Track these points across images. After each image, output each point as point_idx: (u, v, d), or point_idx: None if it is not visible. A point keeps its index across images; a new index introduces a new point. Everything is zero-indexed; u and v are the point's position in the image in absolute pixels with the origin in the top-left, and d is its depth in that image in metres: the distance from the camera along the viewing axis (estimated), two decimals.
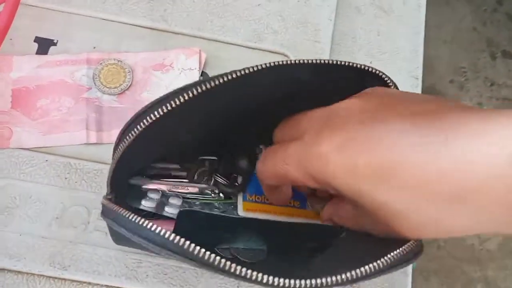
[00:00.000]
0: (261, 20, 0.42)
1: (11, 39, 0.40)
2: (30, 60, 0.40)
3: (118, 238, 0.30)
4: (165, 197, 0.34)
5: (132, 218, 0.22)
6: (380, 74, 0.26)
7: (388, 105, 0.22)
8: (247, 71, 0.24)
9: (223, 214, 0.34)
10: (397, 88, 0.27)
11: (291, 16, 0.42)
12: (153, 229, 0.21)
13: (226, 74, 0.24)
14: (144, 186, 0.33)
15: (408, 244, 0.22)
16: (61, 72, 0.40)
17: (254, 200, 0.35)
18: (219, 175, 0.35)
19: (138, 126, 0.24)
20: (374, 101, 0.23)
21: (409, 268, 0.39)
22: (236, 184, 0.35)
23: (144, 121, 0.24)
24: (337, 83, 0.27)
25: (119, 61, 0.40)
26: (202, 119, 0.28)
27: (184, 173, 0.35)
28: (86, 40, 0.41)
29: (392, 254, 0.21)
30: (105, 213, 0.24)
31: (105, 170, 0.38)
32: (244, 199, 0.34)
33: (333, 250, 0.30)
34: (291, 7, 0.43)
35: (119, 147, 0.26)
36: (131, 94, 0.40)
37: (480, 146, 0.18)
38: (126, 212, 0.22)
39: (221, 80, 0.24)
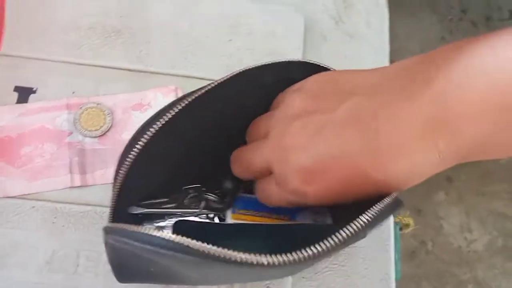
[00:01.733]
0: (232, 55, 0.44)
1: None
2: (11, 109, 0.41)
3: (123, 272, 0.30)
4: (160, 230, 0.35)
5: (141, 229, 0.22)
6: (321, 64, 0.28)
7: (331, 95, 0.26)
8: (214, 84, 0.26)
9: (216, 222, 0.36)
10: None
11: (260, 49, 0.44)
12: (165, 237, 0.21)
13: (196, 91, 0.26)
14: (140, 212, 0.34)
15: (385, 199, 0.23)
16: (42, 119, 0.41)
17: (243, 213, 0.36)
18: (208, 193, 0.37)
19: (130, 155, 0.26)
20: (315, 92, 0.27)
21: (392, 278, 0.41)
22: (225, 200, 0.37)
23: (134, 150, 0.26)
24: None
25: (98, 104, 0.41)
26: (183, 141, 0.30)
27: (173, 204, 0.37)
28: (64, 85, 0.42)
29: (371, 210, 0.23)
30: (111, 230, 0.23)
31: (91, 212, 0.39)
32: (232, 212, 0.36)
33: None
34: (260, 40, 0.45)
35: (117, 177, 0.27)
36: (112, 135, 0.41)
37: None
38: (133, 226, 0.22)
39: (193, 97, 0.26)
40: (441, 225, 1.03)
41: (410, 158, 0.22)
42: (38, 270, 0.36)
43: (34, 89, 0.42)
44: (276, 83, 0.29)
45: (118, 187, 0.28)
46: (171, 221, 0.37)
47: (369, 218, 0.22)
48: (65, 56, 0.43)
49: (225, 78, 0.27)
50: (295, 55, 0.44)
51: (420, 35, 1.16)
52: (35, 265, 0.36)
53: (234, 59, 0.44)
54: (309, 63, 0.30)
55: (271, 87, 0.29)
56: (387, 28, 0.49)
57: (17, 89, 0.42)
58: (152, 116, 0.28)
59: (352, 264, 0.39)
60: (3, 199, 0.38)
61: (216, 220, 0.37)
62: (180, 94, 0.42)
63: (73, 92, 0.42)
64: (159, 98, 0.42)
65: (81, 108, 0.41)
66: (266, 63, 0.29)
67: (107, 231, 0.23)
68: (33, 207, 0.38)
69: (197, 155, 0.32)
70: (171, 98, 0.42)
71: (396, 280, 0.42)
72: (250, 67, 0.28)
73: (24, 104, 0.41)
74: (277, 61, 0.29)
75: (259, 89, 0.29)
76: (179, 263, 0.22)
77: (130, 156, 0.26)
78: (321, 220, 0.37)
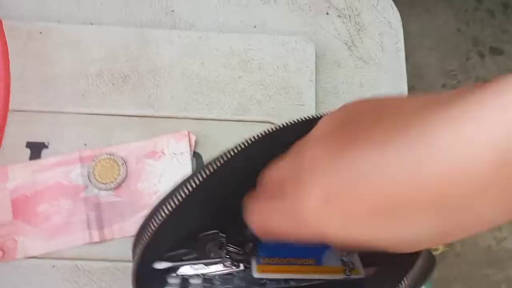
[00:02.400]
0: (244, 92, 0.43)
1: (3, 148, 0.41)
2: (25, 167, 0.40)
3: None
4: (185, 280, 0.34)
5: None
6: None
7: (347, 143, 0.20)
8: (235, 150, 0.25)
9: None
10: None
11: (272, 83, 0.43)
12: None
13: (218, 159, 0.25)
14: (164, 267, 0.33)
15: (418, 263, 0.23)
16: (56, 175, 0.40)
17: (268, 262, 0.35)
18: (229, 245, 0.36)
19: (149, 228, 0.25)
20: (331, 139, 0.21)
21: None
22: (248, 251, 0.36)
23: (152, 225, 0.25)
24: None
25: (111, 155, 0.41)
26: (206, 203, 0.29)
27: (194, 255, 0.36)
28: (76, 137, 0.41)
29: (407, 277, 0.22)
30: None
31: (112, 268, 0.38)
32: (258, 263, 0.35)
33: None
34: (271, 74, 0.43)
35: (137, 248, 0.27)
36: (127, 186, 0.40)
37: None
38: None
39: (214, 166, 0.25)
40: None
41: None
42: None
43: (46, 143, 0.41)
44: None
45: (141, 251, 0.27)
46: (197, 269, 0.36)
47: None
48: (74, 107, 0.42)
49: (249, 141, 0.26)
50: (308, 88, 0.43)
51: (436, 30, 1.13)
52: None
53: (246, 96, 0.43)
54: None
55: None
56: (403, 50, 0.47)
57: (29, 145, 0.41)
58: (180, 182, 0.27)
59: None
60: (23, 260, 0.38)
61: (242, 267, 0.36)
62: (193, 139, 0.41)
63: (85, 144, 0.41)
64: (172, 144, 0.41)
65: (94, 160, 0.40)
66: (291, 123, 0.27)
67: None
68: (54, 266, 0.38)
69: (218, 210, 0.31)
70: (184, 144, 0.41)
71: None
72: (277, 128, 0.27)
73: (37, 161, 0.41)
74: (301, 119, 0.27)
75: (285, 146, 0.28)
76: None
77: (156, 221, 0.25)
78: (348, 259, 0.36)
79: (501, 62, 1.12)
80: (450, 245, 0.94)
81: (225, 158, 0.26)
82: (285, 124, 0.26)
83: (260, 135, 0.27)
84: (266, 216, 0.24)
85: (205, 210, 0.31)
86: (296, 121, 0.27)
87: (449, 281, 0.96)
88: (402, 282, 0.23)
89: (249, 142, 0.26)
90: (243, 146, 0.26)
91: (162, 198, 0.26)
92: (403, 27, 0.47)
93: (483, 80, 1.16)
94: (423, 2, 1.17)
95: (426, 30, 1.11)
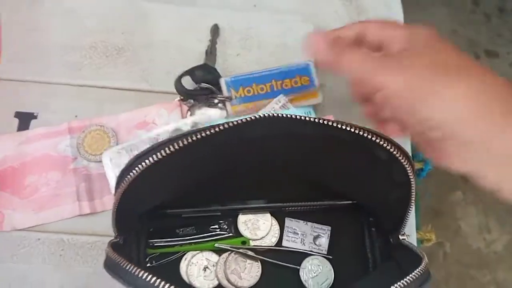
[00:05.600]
0: (241, 68, 0.42)
1: None
2: (11, 138, 0.39)
3: None
4: None
5: (131, 269, 0.23)
6: (385, 144, 0.26)
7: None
8: (240, 121, 0.25)
9: None
10: (404, 153, 0.27)
11: (270, 62, 0.42)
12: (151, 281, 0.22)
13: (224, 123, 0.25)
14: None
15: (415, 272, 0.24)
16: (44, 146, 0.39)
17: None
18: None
19: (137, 168, 0.25)
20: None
21: None
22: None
23: (143, 163, 0.25)
24: (339, 145, 0.27)
25: (101, 126, 0.40)
26: (197, 165, 0.28)
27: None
28: (66, 109, 0.40)
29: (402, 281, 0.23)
30: (108, 265, 0.25)
31: (99, 243, 0.37)
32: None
33: None
34: (269, 53, 0.43)
35: (118, 190, 0.26)
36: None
37: None
38: (125, 262, 0.24)
39: (221, 127, 0.25)
40: (459, 226, 1.00)
41: None
42: None
43: (35, 114, 0.40)
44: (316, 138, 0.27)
45: (118, 197, 0.26)
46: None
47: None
48: (66, 78, 0.41)
49: (249, 119, 0.25)
50: None
51: None
52: None
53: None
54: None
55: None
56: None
57: (17, 115, 0.40)
58: (162, 141, 0.26)
59: None
60: (9, 232, 0.37)
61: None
62: (185, 110, 0.40)
63: (76, 116, 0.40)
64: (164, 115, 0.40)
65: (84, 131, 0.39)
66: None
67: (105, 266, 0.25)
68: (39, 239, 0.37)
69: (201, 182, 0.31)
70: (176, 114, 0.40)
71: None
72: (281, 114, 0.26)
73: (25, 132, 0.39)
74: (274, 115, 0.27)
75: (286, 139, 0.27)
76: None
77: (140, 166, 0.25)
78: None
79: (496, 65, 1.12)
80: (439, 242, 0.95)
81: (232, 123, 0.25)
82: (257, 116, 0.25)
83: (269, 114, 0.26)
84: None
85: (194, 172, 0.30)
86: (269, 115, 0.26)
87: (438, 282, 0.96)
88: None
89: (258, 116, 0.25)
90: (249, 119, 0.25)
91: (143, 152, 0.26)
92: None
93: None
94: (421, 0, 1.17)
95: None
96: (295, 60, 0.41)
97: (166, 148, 0.24)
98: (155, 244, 0.35)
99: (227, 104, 0.39)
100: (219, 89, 0.39)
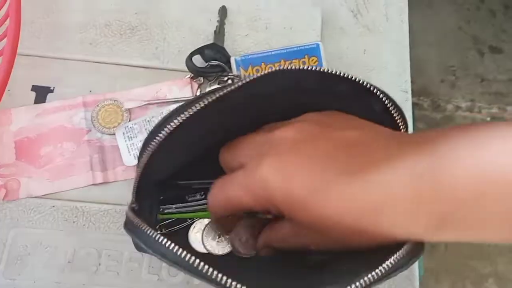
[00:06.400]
0: (249, 49, 0.43)
1: (9, 90, 0.41)
2: (28, 110, 0.41)
3: (140, 247, 0.31)
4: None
5: (150, 233, 0.24)
6: (378, 93, 0.27)
7: (316, 138, 0.26)
8: (253, 77, 0.26)
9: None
10: (395, 105, 0.28)
11: (278, 44, 0.43)
12: (167, 245, 0.23)
13: (233, 83, 0.26)
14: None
15: (403, 249, 0.23)
16: (60, 118, 0.41)
17: None
18: None
19: (160, 134, 0.26)
20: (306, 132, 0.26)
21: (415, 275, 0.40)
22: None
23: (166, 128, 0.25)
24: (337, 94, 0.28)
25: (115, 100, 0.41)
26: (215, 127, 0.30)
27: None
28: (82, 84, 0.42)
29: (388, 262, 0.22)
30: (127, 225, 0.26)
31: (111, 211, 0.38)
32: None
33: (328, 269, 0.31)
34: (277, 34, 0.44)
35: (143, 155, 0.27)
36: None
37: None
38: (146, 226, 0.24)
39: (232, 87, 0.25)
40: None
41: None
42: (60, 269, 0.36)
43: (52, 88, 0.42)
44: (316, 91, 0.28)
45: (143, 164, 0.28)
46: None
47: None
48: (82, 54, 0.43)
49: (260, 75, 0.26)
50: None
51: (437, 26, 1.14)
52: (57, 265, 0.37)
53: None
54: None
55: (313, 93, 0.28)
56: (407, 22, 0.48)
57: (34, 88, 0.42)
58: (184, 104, 0.27)
59: None
60: (25, 199, 0.38)
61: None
62: (195, 87, 0.42)
63: (90, 91, 0.42)
64: (175, 91, 0.42)
65: (98, 105, 0.41)
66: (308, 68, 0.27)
67: (126, 227, 0.26)
68: (53, 206, 0.38)
69: (212, 149, 0.32)
70: (186, 91, 0.42)
71: (420, 275, 0.41)
72: (293, 68, 0.27)
73: (41, 105, 0.41)
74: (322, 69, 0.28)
75: (301, 93, 0.28)
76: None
77: (159, 137, 0.26)
78: None
79: (500, 61, 1.14)
80: None
81: (243, 82, 0.26)
82: (306, 68, 0.26)
83: (279, 68, 0.27)
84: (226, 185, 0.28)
85: (213, 135, 0.31)
86: (316, 68, 0.27)
87: (438, 273, 0.97)
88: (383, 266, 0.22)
89: (267, 72, 0.26)
90: (259, 75, 0.26)
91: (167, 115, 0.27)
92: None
93: (480, 77, 1.18)
94: None
95: (428, 25, 1.12)
96: (303, 42, 0.43)
97: (190, 109, 0.25)
98: (165, 211, 0.36)
99: None
100: (229, 67, 0.41)
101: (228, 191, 0.27)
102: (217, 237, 0.36)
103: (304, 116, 0.28)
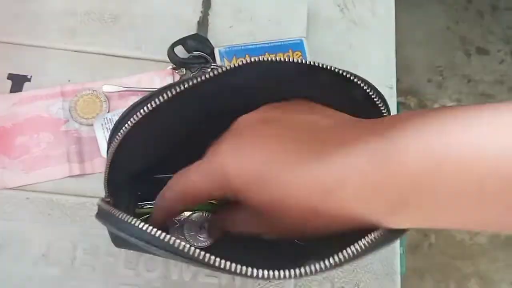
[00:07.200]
0: (233, 41, 0.43)
1: None
2: (4, 99, 0.39)
3: (118, 241, 0.30)
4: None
5: (124, 217, 0.23)
6: (359, 81, 0.26)
7: (275, 120, 0.25)
8: (228, 67, 0.25)
9: None
10: (376, 91, 0.27)
11: (263, 36, 0.43)
12: (142, 227, 0.22)
13: (209, 71, 0.25)
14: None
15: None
16: (37, 108, 0.39)
17: None
18: None
19: (126, 125, 0.25)
20: (266, 114, 0.26)
21: (397, 274, 0.40)
22: None
23: (132, 119, 0.24)
24: (316, 85, 0.27)
25: (94, 90, 0.40)
26: (187, 117, 0.29)
27: None
28: (60, 73, 0.41)
29: (368, 238, 0.21)
30: (100, 214, 0.25)
31: (88, 204, 0.37)
32: None
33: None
34: (262, 27, 0.43)
35: (110, 148, 0.26)
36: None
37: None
38: (119, 212, 0.23)
39: (207, 76, 0.24)
40: None
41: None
42: (33, 262, 0.35)
43: (29, 76, 0.40)
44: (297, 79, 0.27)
45: (111, 155, 0.27)
46: None
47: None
48: (61, 42, 0.41)
49: (236, 65, 0.26)
50: None
51: (426, 26, 1.14)
52: (31, 258, 0.35)
53: None
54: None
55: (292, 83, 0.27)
56: (393, 17, 0.47)
57: (11, 77, 0.40)
58: (153, 92, 0.26)
59: None
60: None
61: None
62: (177, 78, 0.41)
63: (69, 80, 0.41)
64: (156, 82, 0.41)
65: (76, 95, 0.40)
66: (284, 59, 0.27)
67: (97, 215, 0.25)
68: (28, 198, 0.37)
69: (187, 141, 0.31)
70: (168, 82, 0.41)
71: (401, 274, 0.41)
72: (268, 59, 0.26)
73: (17, 93, 0.40)
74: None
75: (281, 83, 0.27)
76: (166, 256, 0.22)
77: (127, 125, 0.25)
78: None
79: (487, 61, 1.14)
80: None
81: (218, 71, 0.25)
82: (285, 59, 0.26)
83: (257, 59, 0.26)
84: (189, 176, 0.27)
85: (185, 125, 0.30)
86: (296, 60, 0.26)
87: (421, 271, 0.98)
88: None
89: (245, 61, 0.26)
90: (235, 65, 0.26)
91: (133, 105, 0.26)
92: (395, 19, 0.48)
93: (467, 78, 1.18)
94: None
95: (416, 25, 1.12)
96: (288, 35, 0.42)
97: (160, 97, 0.24)
98: (145, 207, 0.35)
99: None
100: (213, 59, 0.40)
101: (186, 181, 0.27)
102: (199, 229, 0.35)
103: (268, 104, 0.28)
